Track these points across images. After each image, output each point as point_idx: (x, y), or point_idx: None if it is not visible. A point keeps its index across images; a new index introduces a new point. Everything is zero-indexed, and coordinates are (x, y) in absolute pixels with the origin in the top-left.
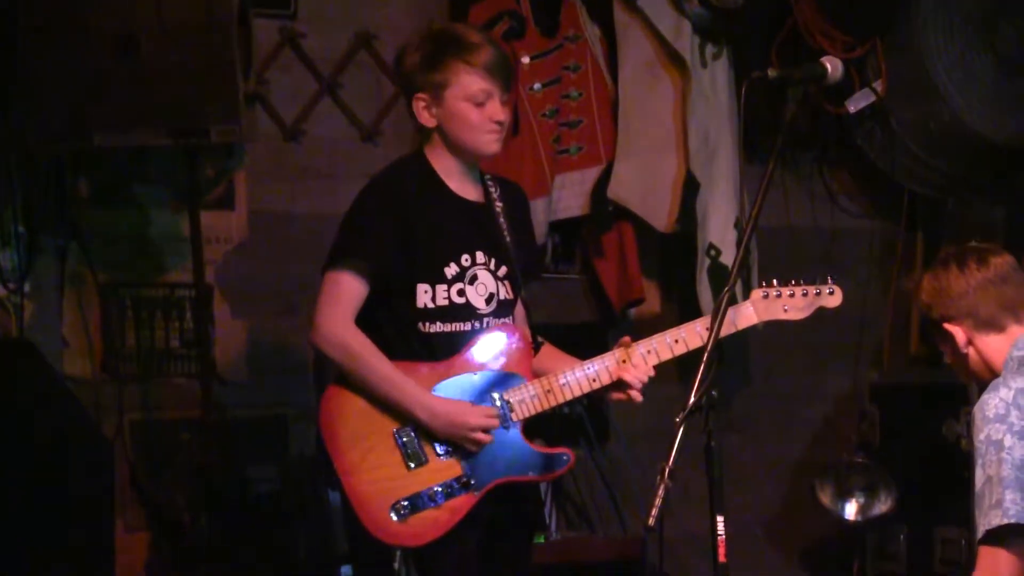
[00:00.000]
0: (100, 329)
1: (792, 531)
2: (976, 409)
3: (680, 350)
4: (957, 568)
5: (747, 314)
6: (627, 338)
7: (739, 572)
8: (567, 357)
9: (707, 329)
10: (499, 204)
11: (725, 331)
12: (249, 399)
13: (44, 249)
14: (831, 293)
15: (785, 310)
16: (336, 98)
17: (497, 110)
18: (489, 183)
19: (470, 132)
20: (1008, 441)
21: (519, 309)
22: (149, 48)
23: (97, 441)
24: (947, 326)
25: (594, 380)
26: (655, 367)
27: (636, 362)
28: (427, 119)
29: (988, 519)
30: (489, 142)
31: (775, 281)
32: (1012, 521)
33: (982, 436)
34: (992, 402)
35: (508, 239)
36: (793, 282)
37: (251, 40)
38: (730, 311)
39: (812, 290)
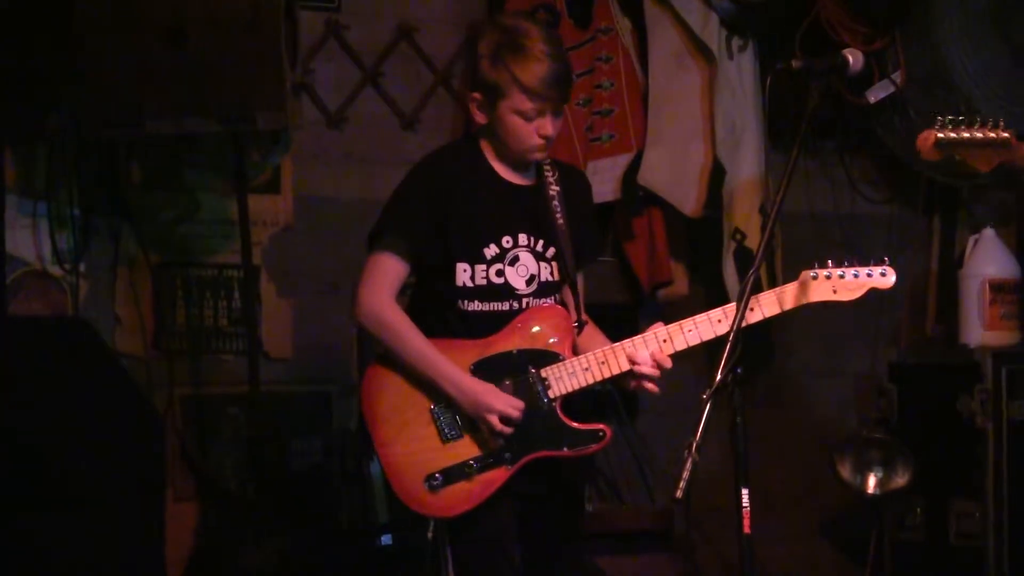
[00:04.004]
0: (151, 307)
1: (813, 503)
2: None
3: (722, 330)
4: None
5: (793, 295)
6: (659, 324)
7: (763, 542)
8: (605, 339)
9: (750, 310)
10: (555, 188)
11: (771, 312)
12: (294, 375)
13: (98, 231)
14: (883, 274)
15: (834, 291)
16: (378, 87)
17: (546, 126)
18: (546, 168)
19: (516, 142)
20: None
21: (576, 288)
22: (199, 39)
23: (148, 415)
24: None
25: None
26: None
27: (678, 344)
28: (479, 117)
29: None
30: (532, 152)
31: (829, 262)
32: None
33: None
34: None
35: (560, 221)
36: (846, 263)
37: (297, 31)
38: (775, 292)
39: (864, 271)
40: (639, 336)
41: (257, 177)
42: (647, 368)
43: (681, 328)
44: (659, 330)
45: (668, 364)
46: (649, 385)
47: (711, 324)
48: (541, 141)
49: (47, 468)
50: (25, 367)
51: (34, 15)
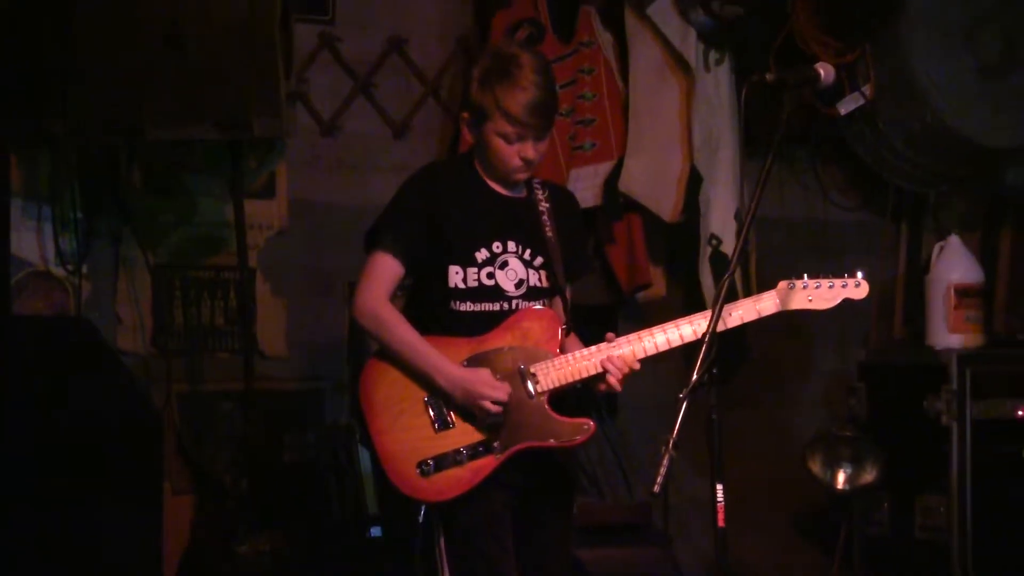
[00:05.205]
0: (151, 307)
1: (786, 498)
2: None
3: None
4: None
5: (771, 303)
6: (610, 334)
7: (737, 535)
8: (581, 345)
9: (729, 315)
10: (544, 204)
11: (748, 319)
12: (288, 372)
13: (100, 233)
14: (857, 286)
15: (809, 300)
16: (370, 97)
17: (528, 149)
18: (536, 185)
19: (499, 162)
20: None
21: (564, 296)
22: (197, 48)
23: (147, 411)
24: None
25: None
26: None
27: (660, 343)
28: (466, 134)
29: None
30: (514, 173)
31: (805, 275)
32: None
33: None
34: None
35: (549, 234)
36: (821, 275)
37: (292, 43)
38: (754, 300)
39: (839, 282)
40: (624, 338)
41: (253, 182)
42: (614, 380)
43: (664, 330)
44: (642, 332)
45: (636, 367)
46: (612, 380)
47: (692, 327)
48: (521, 163)
49: (50, 462)
50: (29, 364)
51: (36, 25)
